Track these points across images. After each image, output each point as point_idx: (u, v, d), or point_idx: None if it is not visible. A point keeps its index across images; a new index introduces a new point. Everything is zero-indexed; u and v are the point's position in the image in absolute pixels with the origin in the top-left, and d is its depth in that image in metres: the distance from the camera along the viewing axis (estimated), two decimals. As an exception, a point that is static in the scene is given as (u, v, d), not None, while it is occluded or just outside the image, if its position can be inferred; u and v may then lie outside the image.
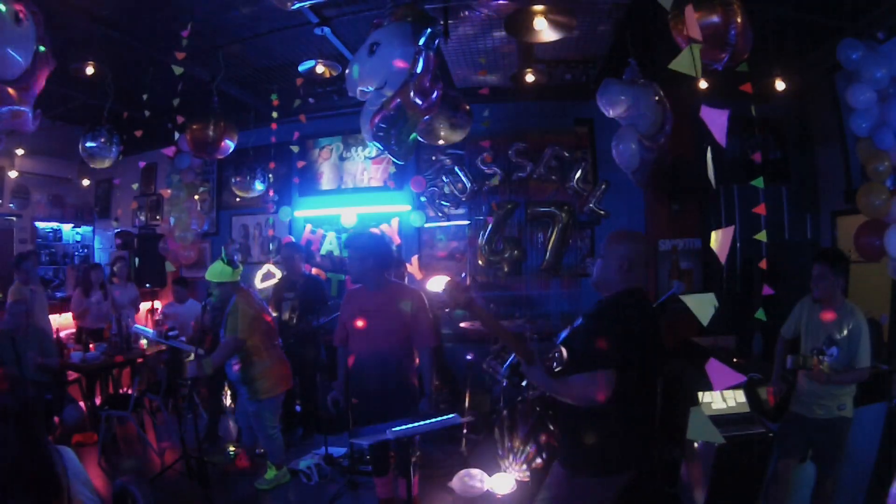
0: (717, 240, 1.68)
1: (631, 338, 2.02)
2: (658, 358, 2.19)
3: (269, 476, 4.02)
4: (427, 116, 3.33)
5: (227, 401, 5.38)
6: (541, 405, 3.80)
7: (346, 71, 3.31)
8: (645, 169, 4.31)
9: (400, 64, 3.05)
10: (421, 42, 3.04)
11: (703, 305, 1.61)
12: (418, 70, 3.02)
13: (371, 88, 3.24)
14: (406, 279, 5.28)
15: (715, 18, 2.84)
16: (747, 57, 3.01)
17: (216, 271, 3.86)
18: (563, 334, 2.27)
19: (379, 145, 3.27)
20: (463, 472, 3.88)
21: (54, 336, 5.45)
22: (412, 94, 3.02)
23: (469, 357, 4.88)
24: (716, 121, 1.60)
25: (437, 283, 5.59)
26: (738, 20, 2.85)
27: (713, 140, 1.60)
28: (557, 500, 2.16)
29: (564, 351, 2.16)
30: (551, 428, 3.69)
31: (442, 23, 3.21)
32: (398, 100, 3.04)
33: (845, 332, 2.98)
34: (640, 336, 2.06)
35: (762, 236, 2.82)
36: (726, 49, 2.87)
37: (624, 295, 2.16)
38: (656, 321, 2.22)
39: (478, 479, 3.82)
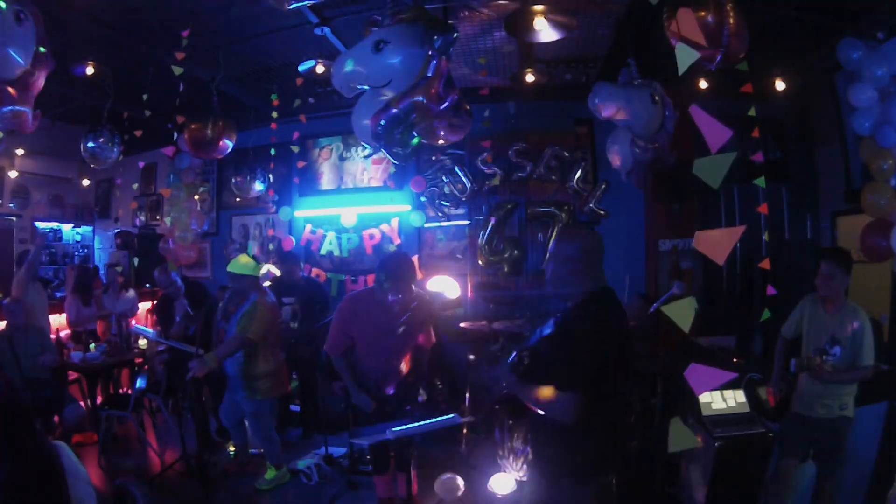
0: (709, 241, 1.64)
1: (598, 353, 1.91)
2: (629, 363, 2.08)
3: (269, 476, 4.02)
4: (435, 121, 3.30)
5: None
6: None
7: (335, 65, 3.19)
8: (639, 170, 4.31)
9: (409, 65, 3.02)
10: (437, 46, 3.00)
11: (681, 312, 1.59)
12: (430, 74, 2.99)
13: (365, 86, 3.20)
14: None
15: (707, 19, 2.84)
16: (744, 57, 3.01)
17: (241, 263, 3.85)
18: (533, 340, 2.17)
19: (376, 144, 3.25)
20: (442, 476, 3.85)
21: (54, 336, 5.45)
22: (425, 98, 2.99)
23: (469, 357, 4.88)
24: (711, 127, 1.60)
25: (437, 283, 5.59)
26: (731, 21, 2.84)
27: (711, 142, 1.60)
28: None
29: (526, 357, 2.08)
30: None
31: (453, 28, 3.15)
32: (408, 100, 3.01)
33: (848, 331, 2.98)
34: (609, 348, 1.94)
35: (768, 236, 2.82)
36: (719, 49, 2.86)
37: (588, 302, 2.03)
38: (625, 323, 2.11)
39: (455, 483, 3.80)
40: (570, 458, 1.99)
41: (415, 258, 6.08)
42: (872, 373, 2.99)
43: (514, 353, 2.18)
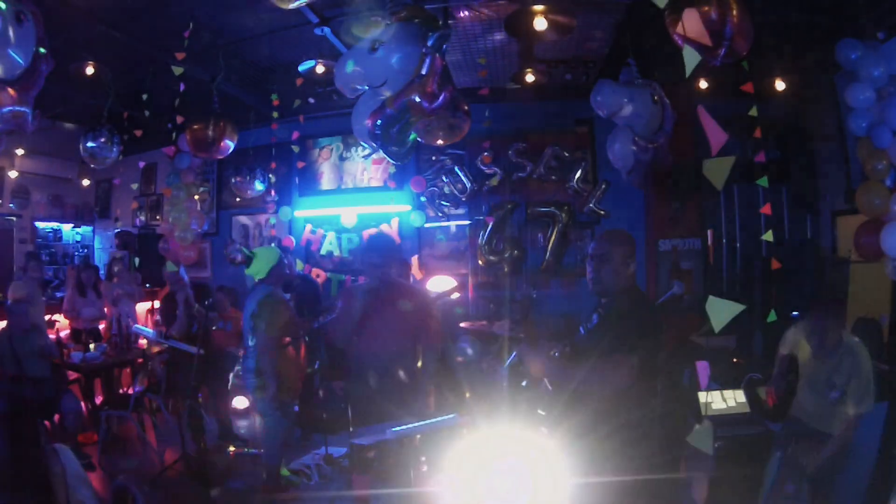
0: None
1: (649, 324, 2.14)
2: (663, 343, 2.27)
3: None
4: (431, 119, 3.30)
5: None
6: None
7: (337, 66, 3.21)
8: (640, 169, 4.31)
9: (404, 65, 3.01)
10: (430, 43, 3.00)
11: (720, 311, 1.65)
12: (424, 72, 2.99)
13: (365, 87, 3.20)
14: (411, 279, 5.28)
15: (710, 15, 2.83)
16: (747, 54, 3.00)
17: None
18: (581, 333, 2.33)
19: (374, 143, 3.25)
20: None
21: (54, 336, 5.45)
22: (418, 96, 2.99)
23: (469, 353, 4.87)
24: (712, 129, 1.62)
25: (436, 283, 5.59)
26: (734, 13, 2.83)
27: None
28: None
29: (568, 349, 2.24)
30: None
31: (448, 26, 3.16)
32: (403, 99, 3.01)
33: (845, 375, 2.91)
34: (657, 322, 2.19)
35: (768, 236, 2.82)
36: (722, 45, 2.85)
37: (630, 290, 2.24)
38: (659, 318, 2.30)
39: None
40: (620, 449, 2.08)
41: (415, 258, 6.11)
42: (857, 422, 2.91)
43: (513, 354, 2.23)
